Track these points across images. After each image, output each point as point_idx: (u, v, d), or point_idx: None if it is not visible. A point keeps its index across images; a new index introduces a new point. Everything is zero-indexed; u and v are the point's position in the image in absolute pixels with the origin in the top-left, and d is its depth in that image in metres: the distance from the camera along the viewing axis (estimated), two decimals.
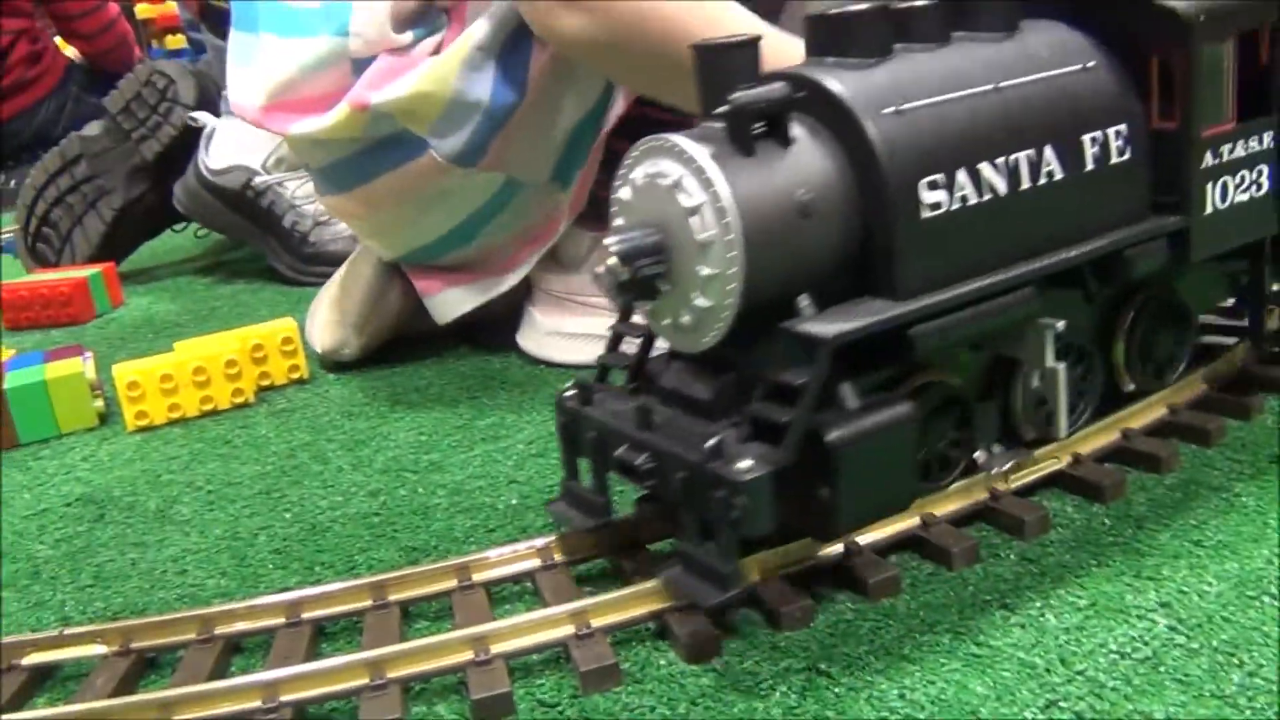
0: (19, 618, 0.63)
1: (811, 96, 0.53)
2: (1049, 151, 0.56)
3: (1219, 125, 0.61)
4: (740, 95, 0.50)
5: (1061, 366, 0.58)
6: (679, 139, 0.51)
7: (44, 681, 0.56)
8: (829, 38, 0.55)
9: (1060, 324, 0.57)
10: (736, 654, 0.51)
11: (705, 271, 0.50)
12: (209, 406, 0.92)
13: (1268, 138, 0.63)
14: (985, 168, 0.54)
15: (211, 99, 1.38)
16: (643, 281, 0.52)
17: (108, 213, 1.39)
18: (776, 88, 0.51)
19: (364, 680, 0.50)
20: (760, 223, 0.50)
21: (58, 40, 2.39)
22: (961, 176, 0.53)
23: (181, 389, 0.91)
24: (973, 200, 0.54)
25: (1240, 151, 0.62)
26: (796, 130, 0.52)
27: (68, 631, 0.56)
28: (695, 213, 0.50)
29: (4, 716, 0.50)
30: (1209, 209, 0.61)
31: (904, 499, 0.52)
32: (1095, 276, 0.59)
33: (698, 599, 0.50)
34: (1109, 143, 0.58)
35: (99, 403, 0.94)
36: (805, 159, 0.52)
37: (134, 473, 0.82)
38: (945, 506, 0.58)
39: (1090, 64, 0.58)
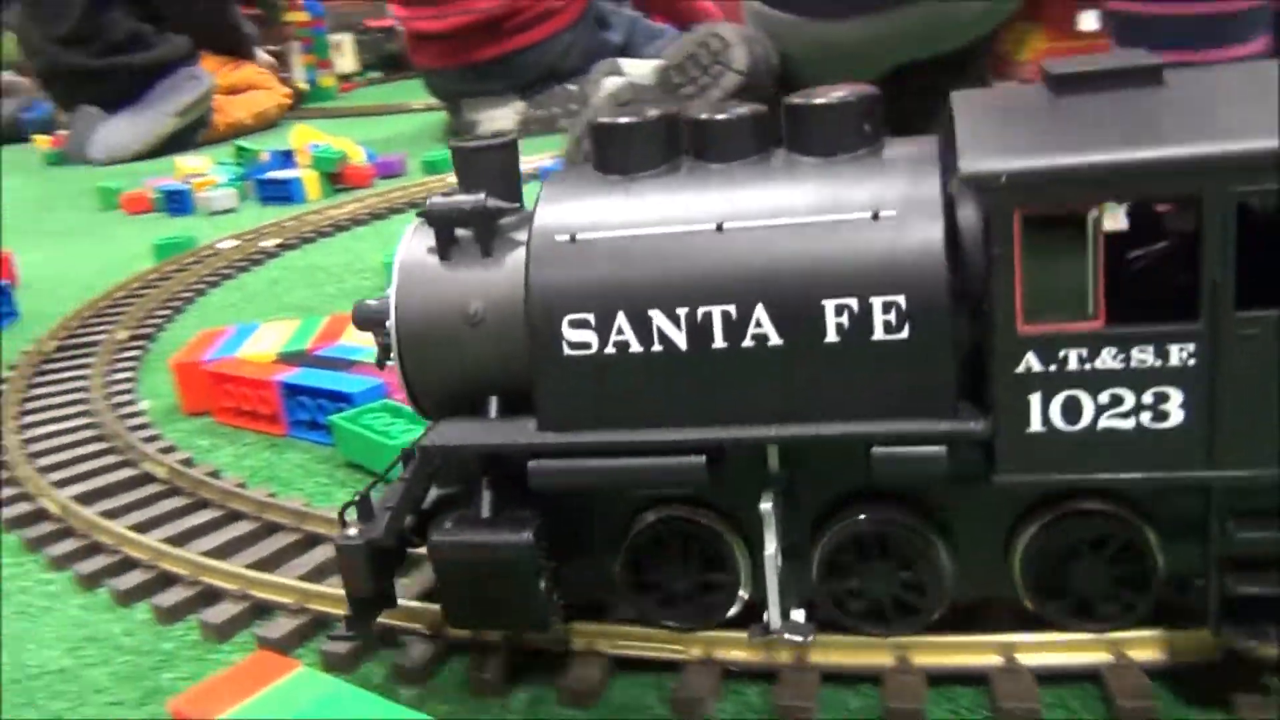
0: None
1: None
2: (760, 312, 0.48)
3: (1063, 323, 0.45)
4: (435, 201, 0.53)
5: (771, 553, 0.50)
6: (409, 231, 0.55)
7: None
8: (611, 148, 0.52)
9: (766, 504, 0.50)
10: None
11: (394, 360, 0.55)
12: None
13: (1179, 352, 0.44)
14: (658, 316, 0.49)
15: (759, 65, 1.39)
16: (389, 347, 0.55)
17: None
18: (471, 199, 0.53)
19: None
20: (422, 326, 0.53)
21: None
22: (621, 320, 0.49)
23: None
24: (636, 348, 0.49)
25: (1112, 363, 0.45)
26: (516, 238, 0.53)
27: None
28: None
29: None
30: (1036, 426, 0.46)
31: (532, 619, 0.52)
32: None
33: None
34: (869, 315, 0.47)
35: None
36: (493, 270, 0.53)
37: None
38: None
39: (887, 213, 0.47)
